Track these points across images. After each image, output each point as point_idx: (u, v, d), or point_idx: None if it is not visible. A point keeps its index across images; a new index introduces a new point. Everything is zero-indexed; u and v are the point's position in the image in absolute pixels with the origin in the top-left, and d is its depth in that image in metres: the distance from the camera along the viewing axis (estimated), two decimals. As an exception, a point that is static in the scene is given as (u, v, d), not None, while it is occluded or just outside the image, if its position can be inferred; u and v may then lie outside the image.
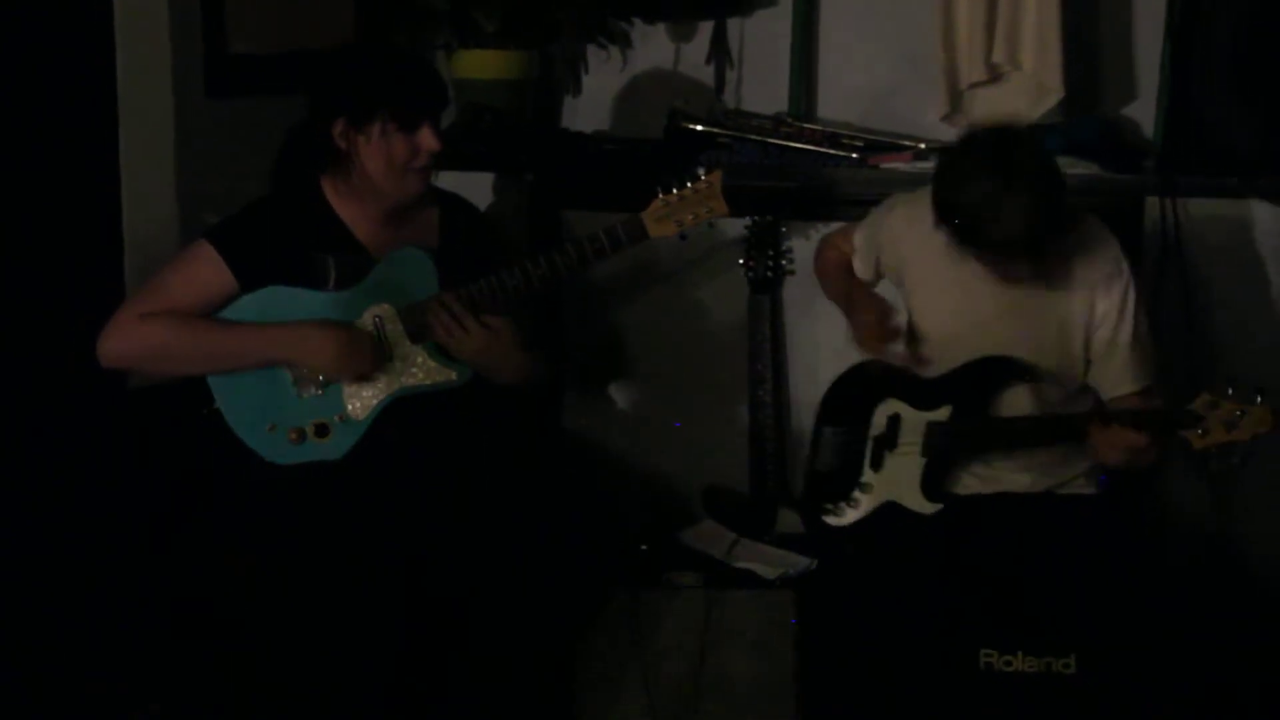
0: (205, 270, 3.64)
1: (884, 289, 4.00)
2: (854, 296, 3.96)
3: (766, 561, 4.26)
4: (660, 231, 3.75)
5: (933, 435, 3.80)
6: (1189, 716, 3.61)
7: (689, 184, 3.75)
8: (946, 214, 3.54)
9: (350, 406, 3.69)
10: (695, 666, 4.03)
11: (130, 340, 3.62)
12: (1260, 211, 4.40)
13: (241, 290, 3.65)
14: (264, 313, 3.67)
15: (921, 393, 3.83)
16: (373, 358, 3.68)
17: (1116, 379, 3.73)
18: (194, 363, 3.67)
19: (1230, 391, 3.43)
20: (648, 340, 4.85)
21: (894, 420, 3.83)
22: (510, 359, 3.77)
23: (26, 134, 3.76)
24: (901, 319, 3.84)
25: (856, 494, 3.88)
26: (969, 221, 3.50)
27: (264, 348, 3.65)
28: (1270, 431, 3.41)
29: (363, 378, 3.69)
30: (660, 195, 3.75)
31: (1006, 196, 3.42)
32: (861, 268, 4.01)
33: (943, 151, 3.69)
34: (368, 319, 3.69)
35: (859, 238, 4.00)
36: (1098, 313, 3.72)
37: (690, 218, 3.76)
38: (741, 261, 4.58)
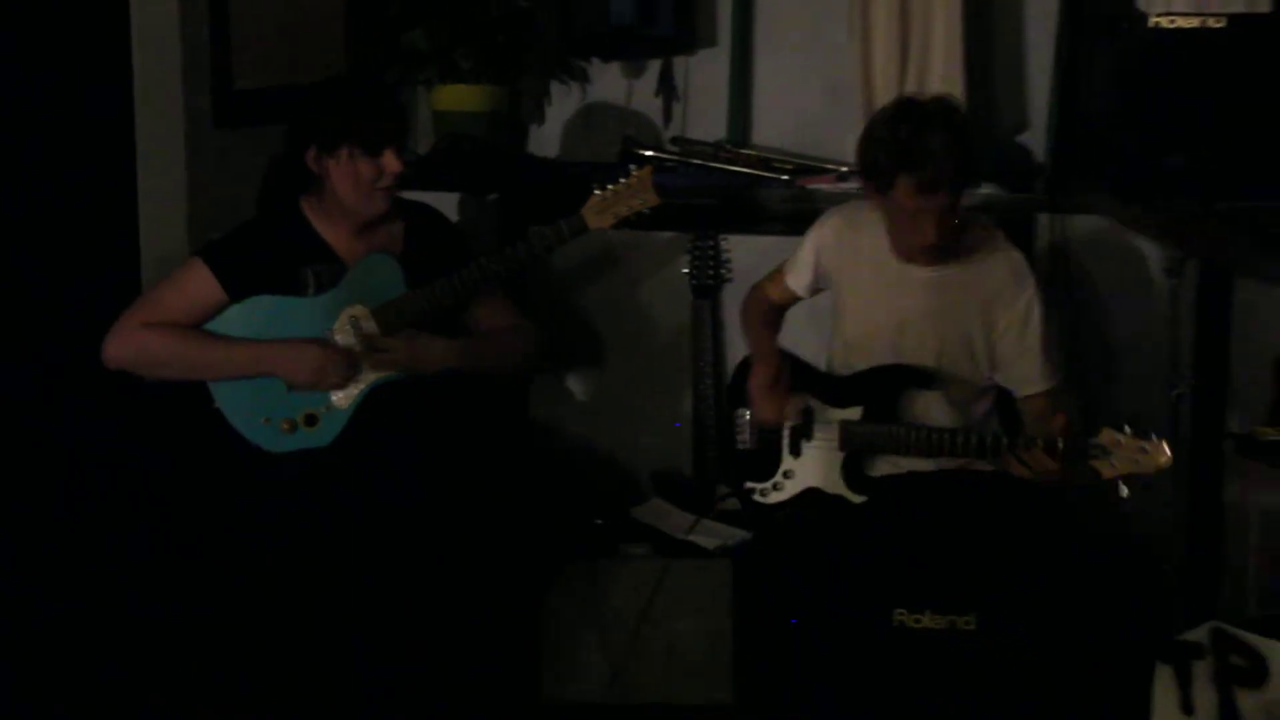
0: (198, 285, 3.69)
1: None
2: (756, 353, 3.96)
3: (708, 534, 4.28)
4: (599, 223, 3.79)
5: (848, 434, 3.79)
6: (1075, 665, 3.60)
7: (622, 180, 3.79)
8: (875, 151, 3.58)
9: (334, 397, 3.71)
10: (645, 625, 4.09)
11: (130, 346, 3.67)
12: (1134, 228, 4.41)
13: (230, 300, 3.68)
14: (253, 319, 3.70)
15: (833, 390, 3.83)
16: (343, 370, 3.71)
17: (1026, 380, 3.75)
18: (186, 372, 3.70)
19: (1128, 429, 3.42)
20: (603, 340, 4.86)
21: (808, 413, 3.83)
22: (456, 357, 3.80)
23: (56, 160, 3.79)
24: (787, 390, 3.83)
25: (780, 479, 3.88)
26: (895, 154, 3.52)
27: (248, 364, 3.69)
28: (1169, 465, 3.40)
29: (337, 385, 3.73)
30: (597, 191, 3.79)
31: (925, 128, 3.49)
32: (798, 279, 3.96)
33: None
34: (344, 319, 3.72)
35: (791, 263, 3.96)
36: (1003, 321, 3.74)
37: (625, 209, 3.79)
38: (685, 271, 4.62)
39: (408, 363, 3.74)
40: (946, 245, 3.64)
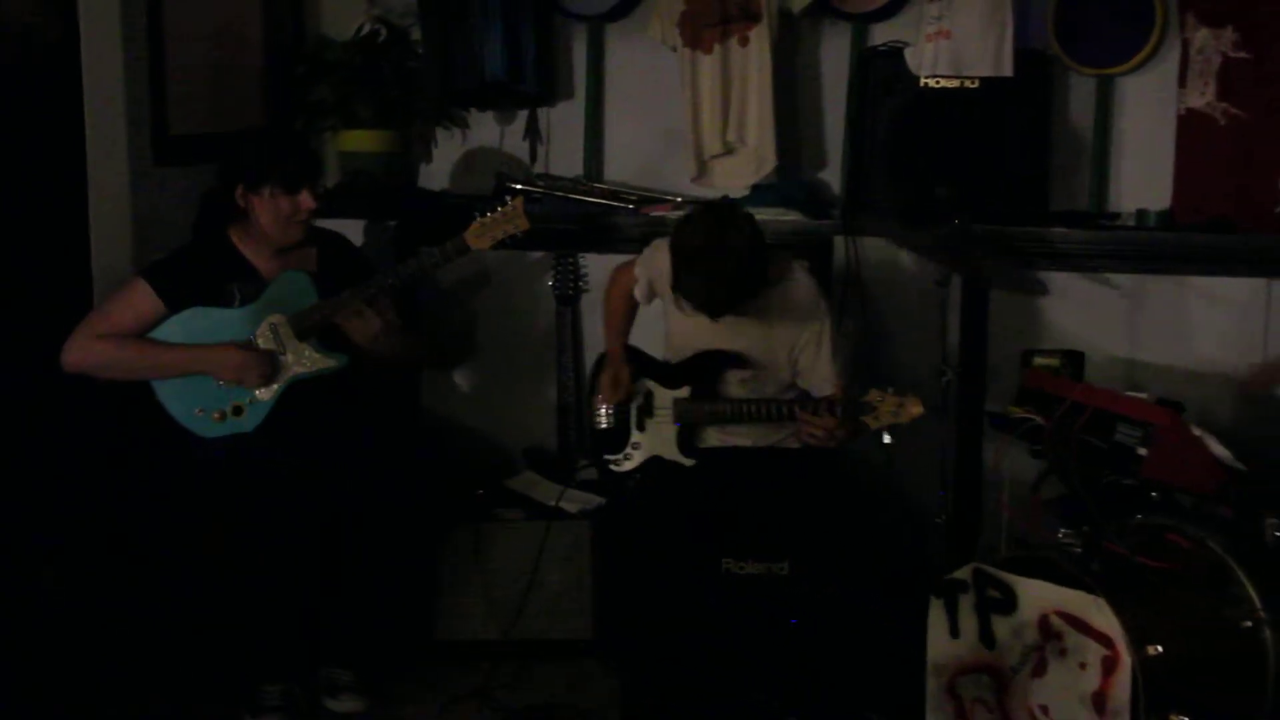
0: (141, 299, 3.68)
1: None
2: (610, 349, 3.98)
3: (572, 501, 4.24)
4: (479, 245, 3.79)
5: (680, 408, 3.83)
6: (866, 600, 3.67)
7: (499, 208, 3.79)
8: (679, 276, 3.60)
9: (258, 391, 3.72)
10: (520, 578, 4.07)
11: (86, 354, 3.65)
12: (912, 247, 4.41)
13: (169, 312, 3.68)
14: (188, 327, 3.69)
15: (667, 375, 3.86)
16: (263, 369, 3.70)
17: (822, 383, 3.79)
18: (133, 374, 3.69)
19: (890, 389, 3.53)
20: (482, 341, 4.83)
21: (649, 395, 3.87)
22: (394, 340, 3.81)
23: (16, 191, 3.75)
24: (628, 379, 3.89)
25: (629, 450, 3.90)
26: (680, 291, 3.61)
27: (185, 366, 3.68)
28: (922, 415, 3.54)
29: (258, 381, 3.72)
30: (478, 218, 3.79)
31: (698, 279, 3.53)
32: (641, 291, 3.96)
33: (675, 227, 3.72)
34: (265, 326, 3.72)
35: (638, 271, 3.96)
36: (801, 339, 3.79)
37: (501, 233, 3.79)
38: (550, 283, 4.63)
39: (374, 338, 3.74)
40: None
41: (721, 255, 3.52)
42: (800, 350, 3.80)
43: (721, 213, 3.65)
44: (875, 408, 3.52)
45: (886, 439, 3.57)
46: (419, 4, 4.82)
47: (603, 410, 3.99)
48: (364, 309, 3.72)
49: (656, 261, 3.88)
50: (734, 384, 3.82)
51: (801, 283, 3.83)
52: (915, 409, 3.51)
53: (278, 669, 3.71)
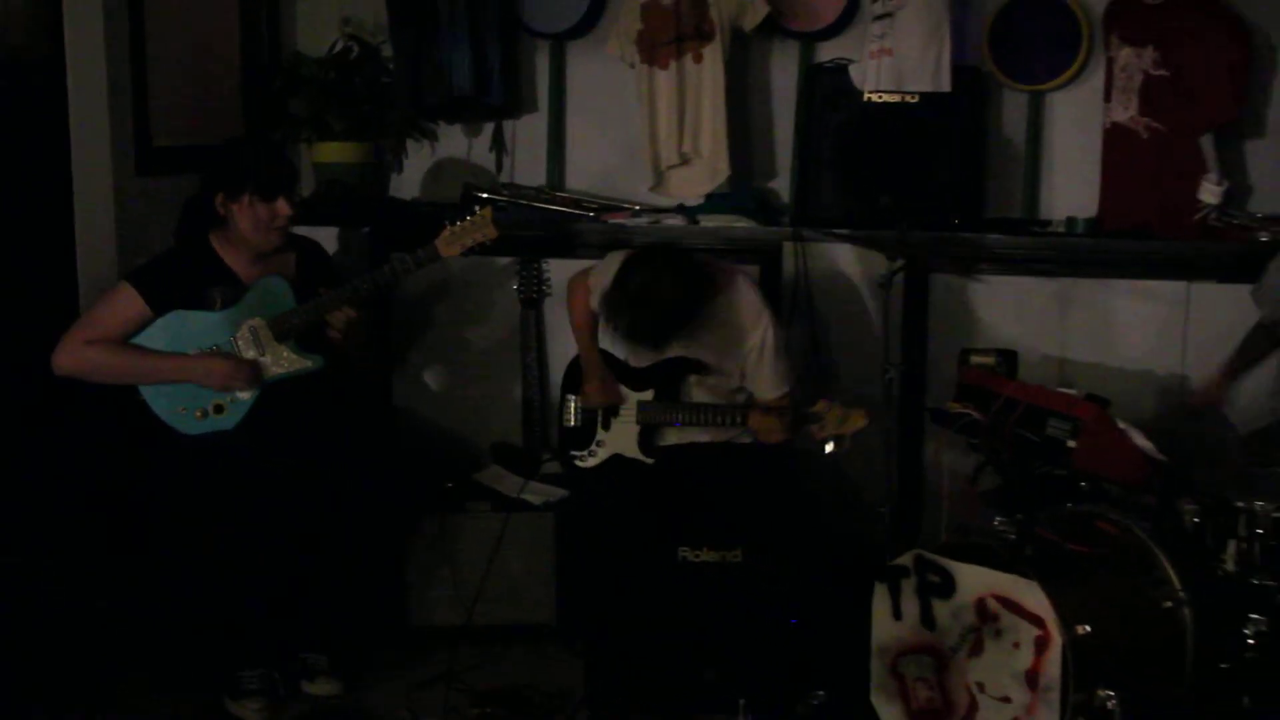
0: (127, 304, 3.65)
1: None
2: (585, 358, 3.97)
3: (536, 493, 4.25)
4: (449, 252, 3.77)
5: (643, 410, 3.83)
6: (814, 585, 3.67)
7: (468, 217, 3.77)
8: (611, 319, 3.68)
9: (239, 391, 3.69)
10: (486, 565, 4.04)
11: (76, 360, 3.63)
12: (852, 252, 4.50)
13: (154, 316, 3.65)
14: (172, 330, 3.67)
15: (632, 377, 3.86)
16: (249, 377, 3.68)
17: (767, 387, 3.82)
18: (121, 380, 3.66)
19: (837, 400, 3.54)
20: (451, 342, 4.81)
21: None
22: (360, 340, 3.80)
23: (7, 202, 3.76)
24: (614, 381, 3.90)
25: (594, 447, 3.90)
26: (627, 333, 3.67)
27: (172, 374, 3.66)
28: (865, 427, 3.55)
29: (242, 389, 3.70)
30: (448, 226, 3.77)
31: (632, 318, 3.61)
32: (595, 300, 3.93)
33: (625, 261, 3.79)
34: (245, 329, 3.70)
35: (593, 281, 3.95)
36: (747, 346, 3.80)
37: (470, 241, 3.77)
38: (515, 287, 4.59)
39: (351, 336, 3.74)
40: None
41: (648, 307, 3.60)
42: (745, 357, 3.81)
43: (654, 263, 3.69)
44: (822, 417, 3.54)
45: (829, 448, 3.55)
46: (390, 22, 4.82)
47: (572, 409, 3.99)
48: (346, 307, 3.71)
49: (609, 273, 3.88)
50: (695, 388, 3.82)
51: (745, 295, 3.84)
52: (859, 421, 3.52)
53: (256, 654, 3.69)
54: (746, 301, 3.83)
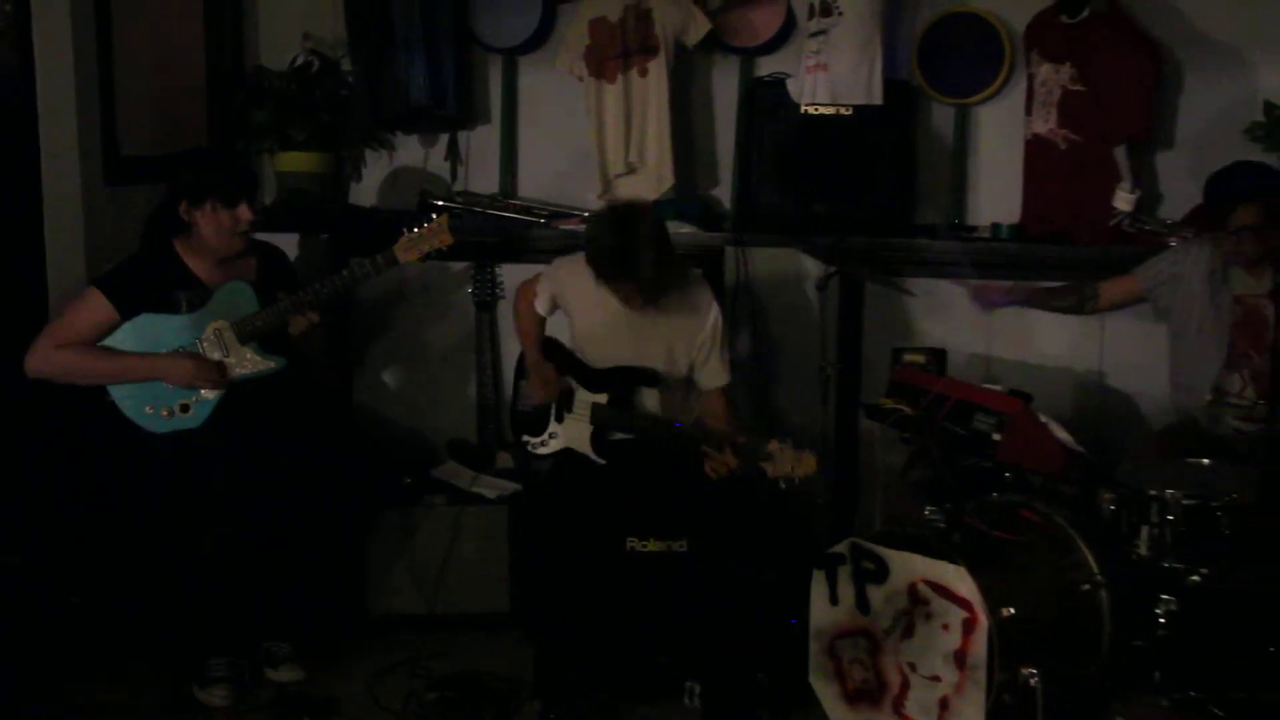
0: (96, 308, 3.62)
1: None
2: (531, 359, 3.91)
3: (490, 487, 4.25)
4: (407, 258, 3.75)
5: (596, 413, 3.79)
6: (754, 573, 3.66)
7: (425, 224, 3.76)
8: (601, 257, 3.58)
9: (204, 390, 3.67)
10: (443, 556, 4.06)
11: (48, 363, 3.60)
12: (795, 257, 4.52)
13: (122, 319, 3.62)
14: (139, 333, 3.64)
15: (589, 378, 3.83)
16: (215, 376, 3.66)
17: (714, 376, 3.81)
18: (91, 381, 3.63)
19: (789, 441, 3.47)
20: (408, 344, 4.81)
21: (570, 392, 3.83)
22: (319, 340, 3.79)
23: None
24: (555, 379, 3.84)
25: (547, 437, 3.86)
26: (606, 264, 3.57)
27: (140, 373, 3.63)
28: (813, 474, 3.45)
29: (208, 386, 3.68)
30: (406, 233, 3.76)
31: (624, 251, 3.52)
32: (542, 305, 3.92)
33: (592, 216, 3.74)
34: (210, 331, 3.68)
35: (540, 286, 3.92)
36: (698, 339, 3.78)
37: (427, 247, 3.75)
38: (470, 290, 4.61)
39: (309, 335, 3.72)
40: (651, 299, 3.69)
41: (641, 225, 3.56)
42: (699, 347, 3.80)
43: (629, 204, 3.69)
44: (773, 457, 3.47)
45: (782, 485, 3.53)
46: (349, 37, 4.80)
47: (526, 393, 3.96)
48: (308, 312, 3.70)
49: (560, 275, 3.88)
50: (647, 399, 3.81)
51: (697, 284, 3.84)
52: (810, 466, 3.44)
53: (223, 643, 3.67)
54: (699, 290, 3.83)
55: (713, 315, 3.80)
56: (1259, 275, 3.81)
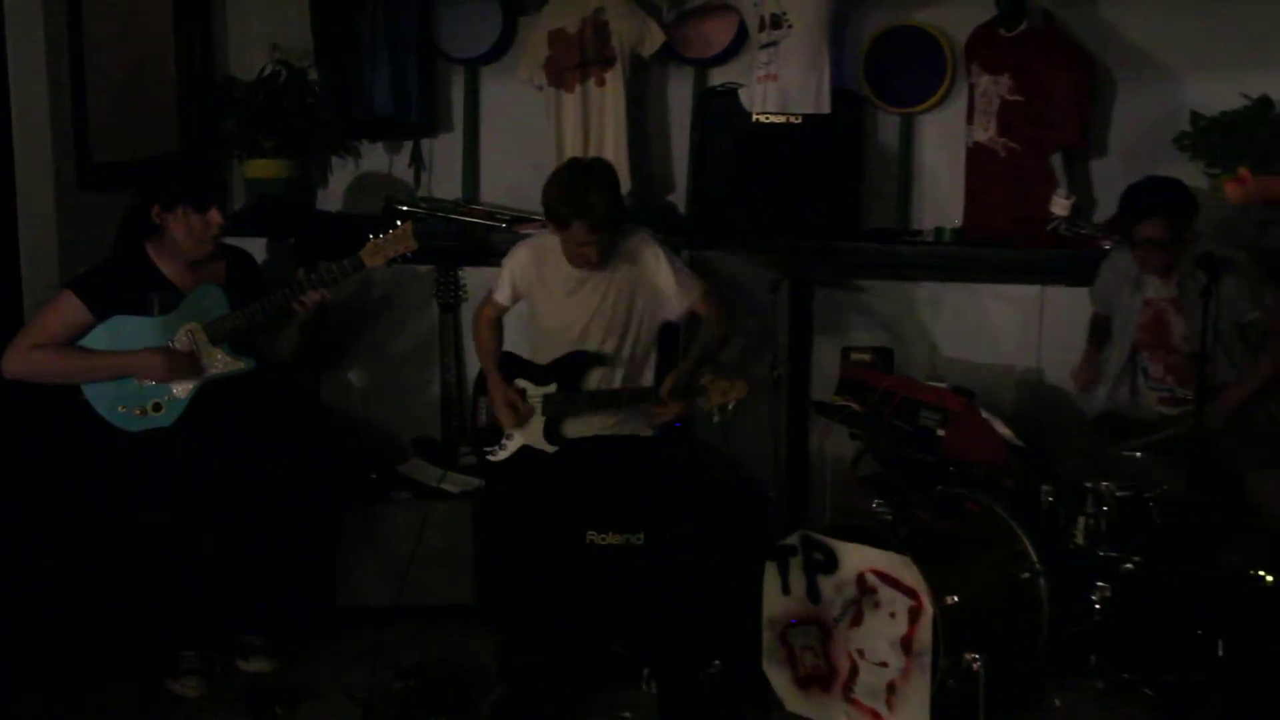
0: (70, 309, 3.59)
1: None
2: (489, 380, 3.88)
3: (454, 483, 4.24)
4: (373, 262, 3.76)
5: (548, 403, 3.78)
6: (710, 564, 3.65)
7: (391, 230, 3.76)
8: (555, 202, 3.58)
9: (176, 390, 3.64)
10: (410, 547, 3.98)
11: (24, 364, 3.57)
12: (743, 260, 4.41)
13: (96, 320, 3.59)
14: (113, 334, 3.60)
15: (537, 374, 3.81)
16: (186, 370, 3.63)
17: (683, 298, 3.74)
18: (68, 379, 3.60)
19: (719, 373, 3.51)
20: (375, 345, 4.78)
21: (521, 393, 3.81)
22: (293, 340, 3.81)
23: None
24: (517, 400, 3.79)
25: (505, 441, 3.83)
26: (561, 205, 3.56)
27: (114, 370, 3.60)
28: (746, 395, 3.52)
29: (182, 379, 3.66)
30: (371, 238, 3.76)
31: (589, 185, 3.54)
32: (504, 295, 3.88)
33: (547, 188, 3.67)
34: (182, 333, 3.65)
35: (501, 278, 3.87)
36: (656, 282, 3.73)
37: (392, 252, 3.76)
38: (434, 293, 4.59)
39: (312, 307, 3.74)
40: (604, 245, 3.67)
41: (603, 169, 3.63)
42: (660, 287, 3.76)
43: (580, 158, 3.72)
44: (707, 390, 3.51)
45: (717, 417, 3.56)
46: (315, 48, 4.77)
47: (484, 411, 3.94)
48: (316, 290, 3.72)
49: (518, 256, 3.86)
50: (594, 378, 3.78)
51: (640, 239, 3.79)
52: (741, 390, 3.50)
53: (195, 636, 3.65)
54: (635, 237, 3.78)
55: (651, 251, 3.76)
56: (1168, 281, 3.87)
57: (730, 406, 3.53)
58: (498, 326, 3.98)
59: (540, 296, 3.84)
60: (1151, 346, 3.91)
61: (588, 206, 3.55)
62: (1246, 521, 3.68)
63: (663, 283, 3.76)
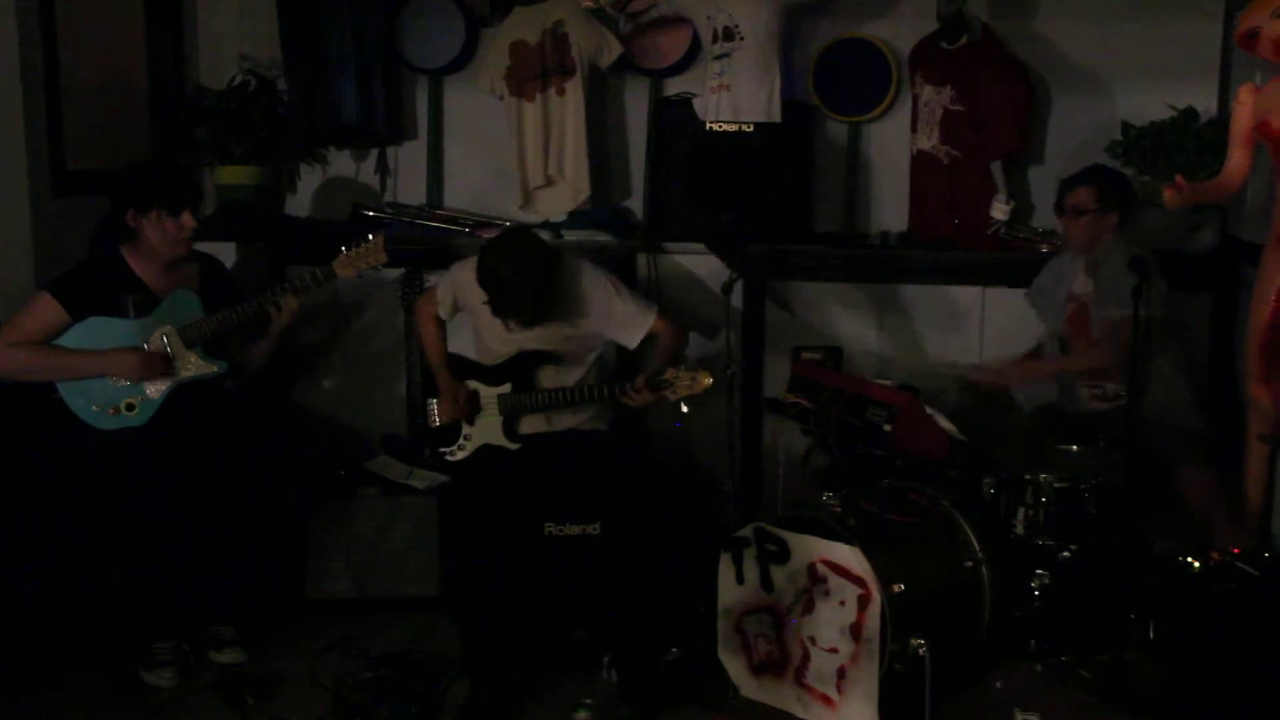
0: (47, 310, 3.56)
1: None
2: (438, 377, 3.83)
3: (420, 479, 4.19)
4: (344, 273, 3.77)
5: (503, 402, 3.73)
6: (665, 555, 3.63)
7: (363, 244, 3.76)
8: (482, 286, 3.53)
9: (149, 390, 3.61)
10: (377, 543, 4.02)
11: (2, 361, 3.53)
12: (698, 262, 4.46)
13: (72, 321, 3.55)
14: (91, 335, 3.57)
15: (489, 375, 3.76)
16: (160, 371, 3.61)
17: (634, 333, 3.69)
18: (44, 377, 3.56)
19: (683, 366, 3.47)
20: (343, 345, 4.75)
21: (474, 394, 3.77)
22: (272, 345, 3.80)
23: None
24: (464, 397, 3.75)
25: (463, 440, 3.79)
26: (491, 300, 3.53)
27: (90, 368, 3.56)
28: (710, 387, 3.47)
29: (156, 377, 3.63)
30: (344, 250, 3.76)
31: (512, 302, 3.50)
32: (444, 310, 3.84)
33: (485, 245, 3.60)
34: (157, 335, 3.62)
35: (441, 293, 3.85)
36: (607, 320, 3.68)
37: (364, 264, 3.77)
38: (399, 295, 4.53)
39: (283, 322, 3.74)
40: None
41: (527, 280, 3.48)
42: (610, 324, 3.71)
43: (518, 240, 3.59)
44: (672, 383, 3.47)
45: (684, 408, 3.54)
46: (284, 58, 4.76)
47: (433, 410, 3.90)
48: (288, 298, 3.71)
49: (459, 278, 3.78)
50: (546, 376, 3.74)
51: (585, 271, 3.72)
52: (706, 380, 3.46)
53: (168, 628, 3.61)
54: (587, 275, 3.71)
55: (600, 293, 3.68)
56: (1089, 277, 3.91)
57: (697, 398, 3.48)
58: (442, 324, 3.93)
59: (476, 314, 3.76)
60: (1075, 339, 3.95)
61: (519, 308, 3.52)
62: (1175, 512, 3.73)
63: (617, 321, 3.71)
